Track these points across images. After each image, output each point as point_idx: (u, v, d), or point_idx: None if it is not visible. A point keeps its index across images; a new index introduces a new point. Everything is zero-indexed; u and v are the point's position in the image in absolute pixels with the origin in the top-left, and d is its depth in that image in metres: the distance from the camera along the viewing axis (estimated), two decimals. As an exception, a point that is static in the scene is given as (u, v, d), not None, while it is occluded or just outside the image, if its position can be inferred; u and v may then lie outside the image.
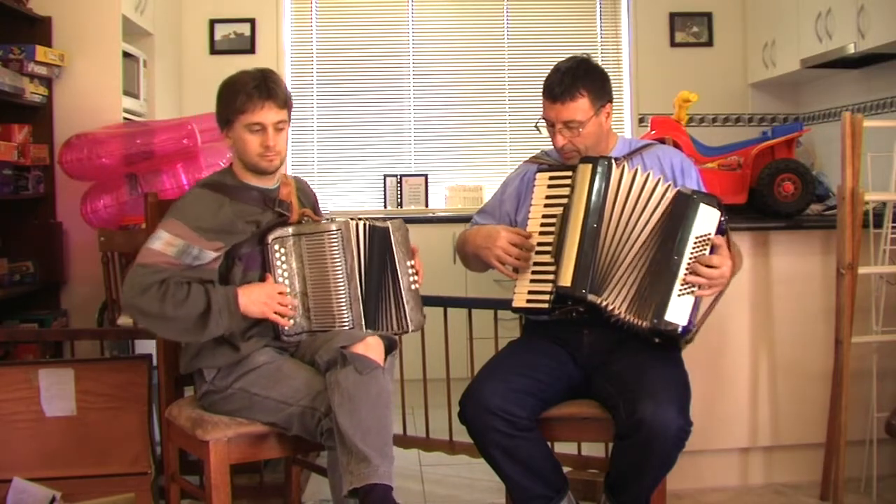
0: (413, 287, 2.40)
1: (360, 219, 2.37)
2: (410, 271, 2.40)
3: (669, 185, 2.23)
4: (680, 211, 2.19)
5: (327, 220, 2.41)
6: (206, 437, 2.21)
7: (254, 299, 2.24)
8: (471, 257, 2.47)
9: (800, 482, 3.13)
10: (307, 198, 2.52)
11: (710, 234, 2.20)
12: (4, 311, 3.58)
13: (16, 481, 2.70)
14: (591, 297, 2.20)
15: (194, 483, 2.68)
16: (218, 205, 2.28)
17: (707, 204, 2.19)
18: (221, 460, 2.22)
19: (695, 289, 2.19)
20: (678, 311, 2.17)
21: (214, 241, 2.24)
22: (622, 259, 2.22)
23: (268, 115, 2.27)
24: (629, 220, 2.22)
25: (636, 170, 2.25)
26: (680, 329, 2.17)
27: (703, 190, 2.41)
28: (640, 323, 2.19)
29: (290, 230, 2.33)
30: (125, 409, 2.83)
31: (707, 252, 2.19)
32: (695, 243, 2.18)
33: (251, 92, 2.26)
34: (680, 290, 2.17)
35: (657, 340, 2.22)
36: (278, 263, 2.30)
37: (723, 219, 2.22)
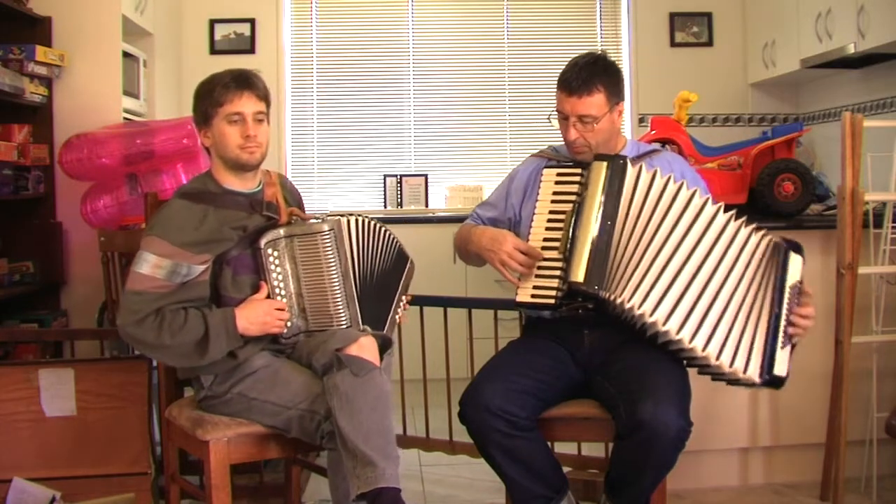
0: (396, 317, 2.48)
1: (358, 216, 2.37)
2: (402, 304, 2.50)
3: (696, 191, 2.20)
4: (775, 261, 2.18)
5: (317, 219, 2.38)
6: (206, 438, 2.21)
7: (252, 320, 2.22)
8: (472, 255, 2.45)
9: (800, 482, 3.13)
10: (292, 196, 2.49)
11: (799, 280, 2.19)
12: (4, 311, 3.58)
13: (16, 481, 2.70)
14: (602, 293, 2.18)
15: (194, 483, 2.68)
16: (201, 216, 2.23)
17: (795, 252, 2.19)
18: (221, 460, 2.22)
19: (792, 339, 2.20)
20: (782, 362, 2.19)
21: (201, 255, 2.20)
22: (638, 257, 2.18)
23: (247, 104, 2.26)
24: (648, 219, 2.19)
25: (655, 170, 2.22)
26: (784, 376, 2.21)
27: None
28: (746, 378, 2.18)
29: (281, 232, 2.29)
30: (125, 409, 2.82)
31: (798, 300, 2.20)
32: (790, 293, 2.18)
33: (229, 83, 2.26)
34: (782, 342, 2.18)
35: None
36: (272, 268, 2.26)
37: (804, 263, 2.22)
